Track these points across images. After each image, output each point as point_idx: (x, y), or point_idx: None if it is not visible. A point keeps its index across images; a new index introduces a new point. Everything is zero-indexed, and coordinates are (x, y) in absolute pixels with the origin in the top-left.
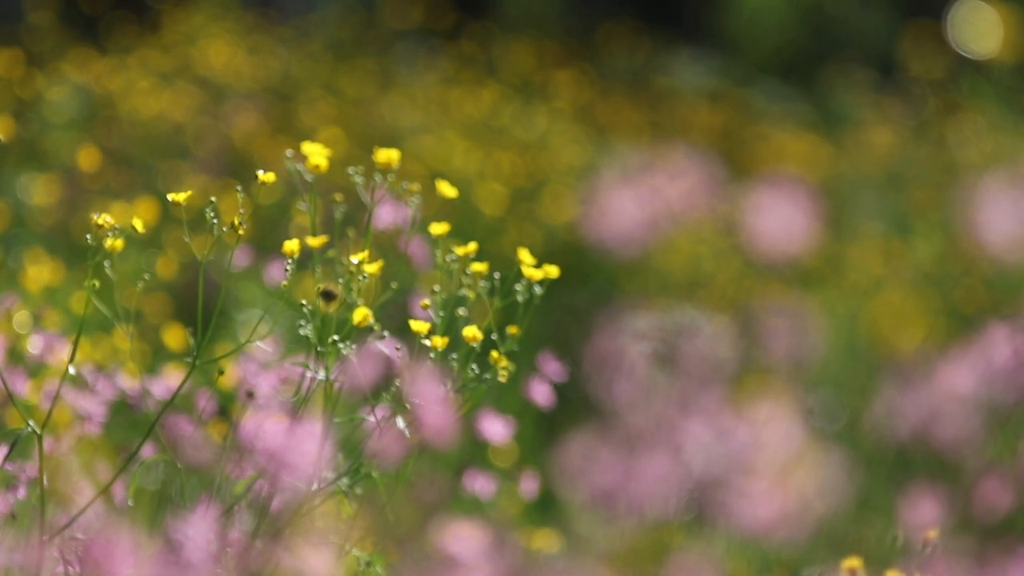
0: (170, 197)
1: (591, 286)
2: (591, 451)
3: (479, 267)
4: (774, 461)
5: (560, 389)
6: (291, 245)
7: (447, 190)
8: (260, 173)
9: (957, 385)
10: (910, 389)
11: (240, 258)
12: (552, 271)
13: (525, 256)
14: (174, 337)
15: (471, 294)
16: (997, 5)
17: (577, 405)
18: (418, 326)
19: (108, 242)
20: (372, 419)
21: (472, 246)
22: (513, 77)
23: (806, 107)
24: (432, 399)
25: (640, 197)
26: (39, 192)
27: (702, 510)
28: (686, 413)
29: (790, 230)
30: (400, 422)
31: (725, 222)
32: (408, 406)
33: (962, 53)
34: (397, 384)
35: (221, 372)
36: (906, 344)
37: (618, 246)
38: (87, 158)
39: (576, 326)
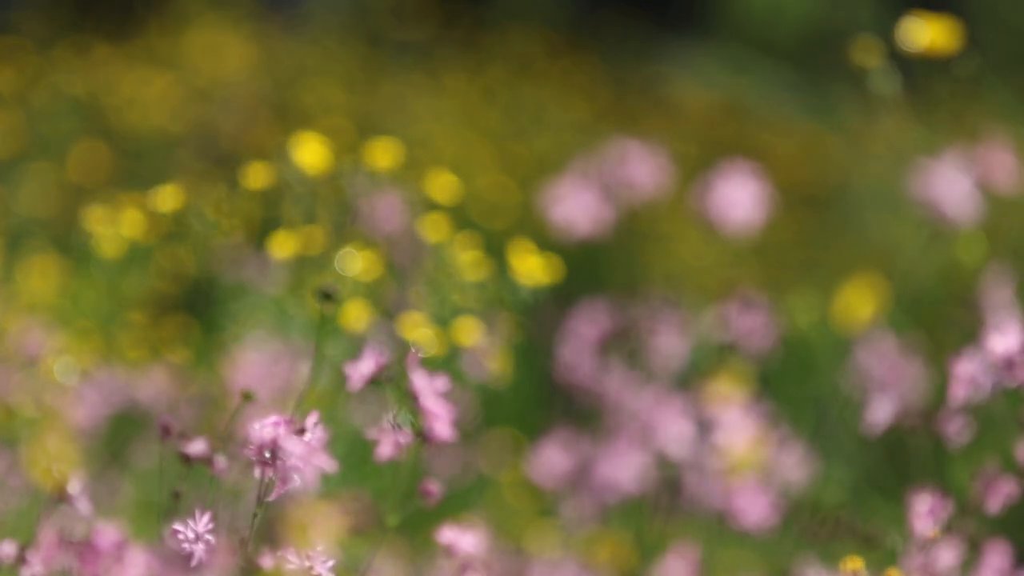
0: (155, 204)
1: (574, 279)
2: (567, 442)
3: (475, 273)
4: (738, 449)
5: (550, 383)
6: (281, 244)
7: (440, 194)
8: (248, 175)
9: (957, 376)
10: (888, 378)
11: (234, 260)
12: (545, 275)
13: (524, 262)
14: (169, 337)
15: (460, 300)
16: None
17: (561, 399)
18: (409, 331)
19: (102, 244)
20: (375, 417)
21: (473, 254)
22: (509, 65)
23: (806, 96)
24: (434, 395)
25: (610, 189)
26: (33, 191)
27: (675, 498)
28: (658, 402)
29: (749, 212)
30: (401, 418)
31: (698, 212)
32: (412, 401)
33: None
34: (400, 381)
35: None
36: (875, 330)
37: (582, 235)
38: (82, 158)
39: (557, 320)
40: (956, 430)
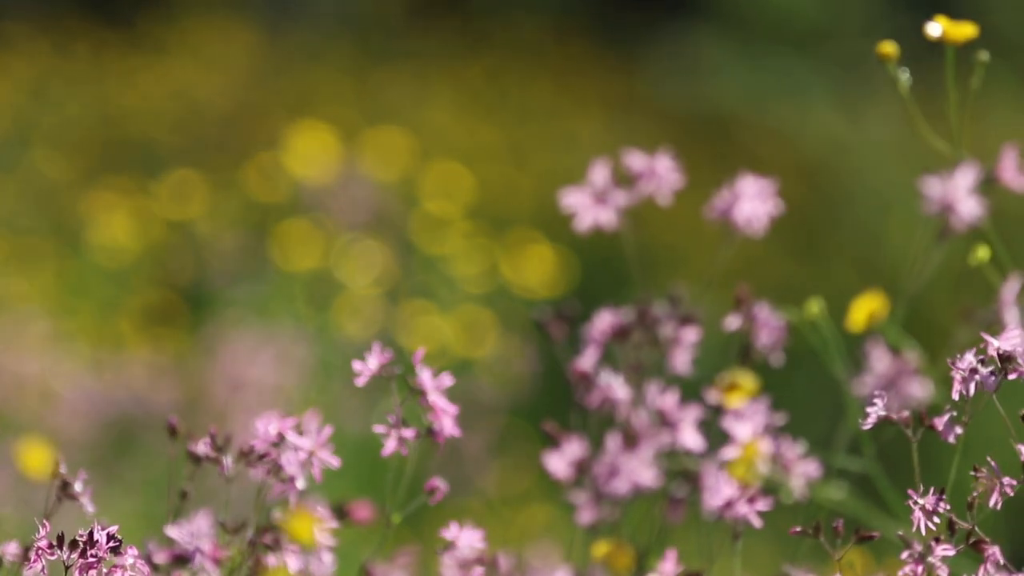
0: (154, 201)
1: (594, 275)
2: (581, 438)
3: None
4: (743, 448)
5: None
6: (288, 252)
7: (448, 189)
8: (247, 174)
9: (956, 373)
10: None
11: (231, 259)
12: (552, 286)
13: (532, 268)
14: (162, 335)
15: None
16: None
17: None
18: (412, 340)
19: (98, 243)
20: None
21: (480, 263)
22: (503, 53)
23: (816, 88)
24: (440, 391)
25: (621, 185)
26: (27, 181)
27: (689, 495)
28: (673, 400)
29: (758, 214)
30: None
31: (709, 214)
32: (419, 395)
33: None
34: (406, 377)
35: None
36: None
37: (593, 229)
38: (77, 149)
39: (578, 316)
40: (950, 428)
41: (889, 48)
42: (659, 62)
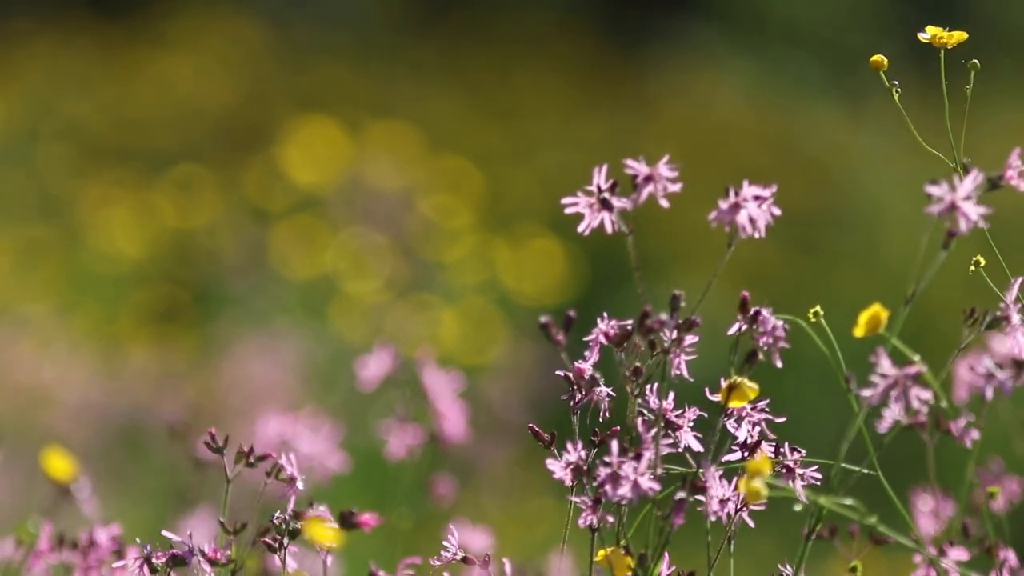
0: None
1: (600, 280)
2: (584, 442)
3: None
4: (749, 464)
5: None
6: (293, 259)
7: (457, 189)
8: (249, 177)
9: (960, 378)
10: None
11: (235, 264)
12: (555, 290)
13: (536, 279)
14: (167, 336)
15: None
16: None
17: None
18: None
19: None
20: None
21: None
22: (499, 50)
23: (827, 84)
24: (446, 394)
25: (623, 187)
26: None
27: (690, 499)
28: (675, 405)
29: (759, 219)
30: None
31: (712, 218)
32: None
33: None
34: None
35: None
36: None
37: (593, 231)
38: (81, 144)
39: (583, 319)
40: (966, 432)
41: (881, 59)
42: (662, 60)
